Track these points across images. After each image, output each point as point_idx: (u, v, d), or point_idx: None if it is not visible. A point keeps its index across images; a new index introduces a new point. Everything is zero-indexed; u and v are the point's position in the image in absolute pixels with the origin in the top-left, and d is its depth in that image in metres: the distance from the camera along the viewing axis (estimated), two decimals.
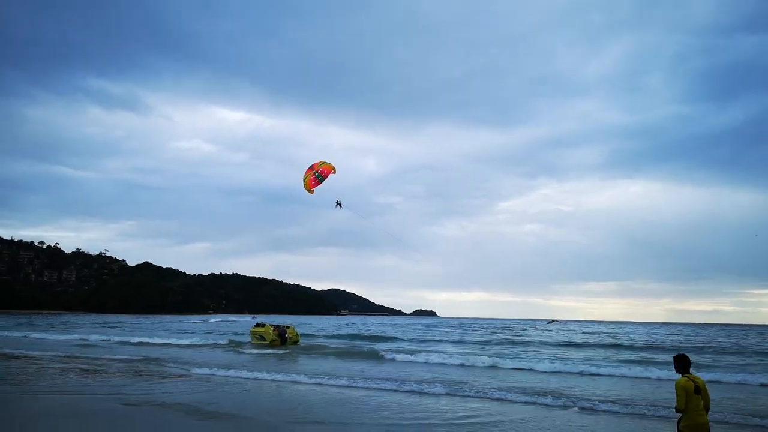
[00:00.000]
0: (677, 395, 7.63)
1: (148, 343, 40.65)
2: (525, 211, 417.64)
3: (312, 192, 17.98)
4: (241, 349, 36.05)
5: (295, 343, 39.35)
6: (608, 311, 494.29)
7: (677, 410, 7.65)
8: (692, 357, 7.97)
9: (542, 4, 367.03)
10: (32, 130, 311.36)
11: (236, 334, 52.07)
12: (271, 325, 41.51)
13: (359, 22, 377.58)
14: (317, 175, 17.96)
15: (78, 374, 20.45)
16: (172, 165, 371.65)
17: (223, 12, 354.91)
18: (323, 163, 18.18)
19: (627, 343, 47.68)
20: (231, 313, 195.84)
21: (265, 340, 39.58)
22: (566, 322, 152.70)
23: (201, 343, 41.43)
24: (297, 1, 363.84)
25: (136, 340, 43.56)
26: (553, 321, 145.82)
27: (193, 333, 57.22)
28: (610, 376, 23.64)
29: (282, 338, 39.01)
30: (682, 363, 7.91)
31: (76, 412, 12.85)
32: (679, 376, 7.96)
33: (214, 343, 40.74)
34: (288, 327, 41.01)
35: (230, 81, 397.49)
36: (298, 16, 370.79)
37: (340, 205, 18.42)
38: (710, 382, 20.62)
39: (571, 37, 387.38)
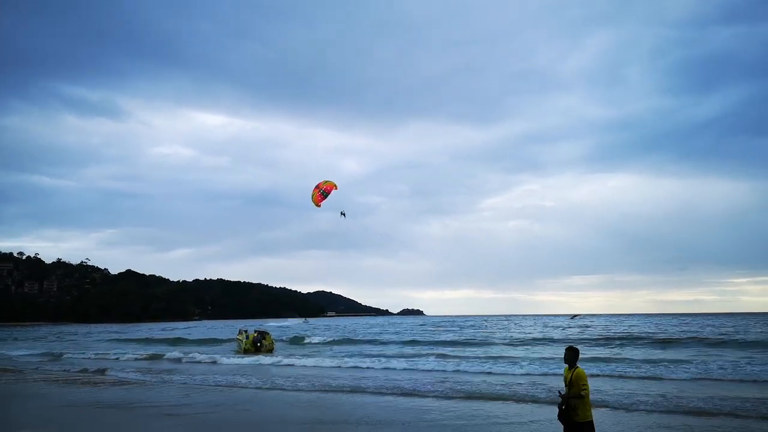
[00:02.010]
0: (585, 384, 7.84)
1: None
2: (508, 207, 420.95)
3: (319, 206, 20.74)
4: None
5: (270, 350, 39.92)
6: (591, 304, 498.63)
7: (579, 397, 7.79)
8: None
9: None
10: (8, 139, 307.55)
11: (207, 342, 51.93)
12: (256, 332, 42.31)
13: (339, 21, 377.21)
14: (323, 192, 20.87)
15: None
16: (153, 171, 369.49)
17: (200, 13, 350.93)
18: (326, 181, 21.09)
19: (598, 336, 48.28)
20: (214, 319, 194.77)
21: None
22: (585, 316, 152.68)
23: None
24: (275, 1, 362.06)
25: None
26: (576, 316, 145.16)
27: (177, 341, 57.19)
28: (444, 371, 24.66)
29: (255, 346, 39.59)
30: (577, 354, 8.17)
31: None
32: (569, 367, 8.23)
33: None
34: (266, 335, 41.60)
35: (209, 84, 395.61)
36: (276, 16, 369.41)
37: (344, 215, 20.87)
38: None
39: (550, 32, 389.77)
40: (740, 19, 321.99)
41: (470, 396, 17.30)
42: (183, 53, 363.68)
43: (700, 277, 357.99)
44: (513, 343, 43.49)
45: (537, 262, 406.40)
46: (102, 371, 27.64)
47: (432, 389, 18.76)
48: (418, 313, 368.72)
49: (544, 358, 29.58)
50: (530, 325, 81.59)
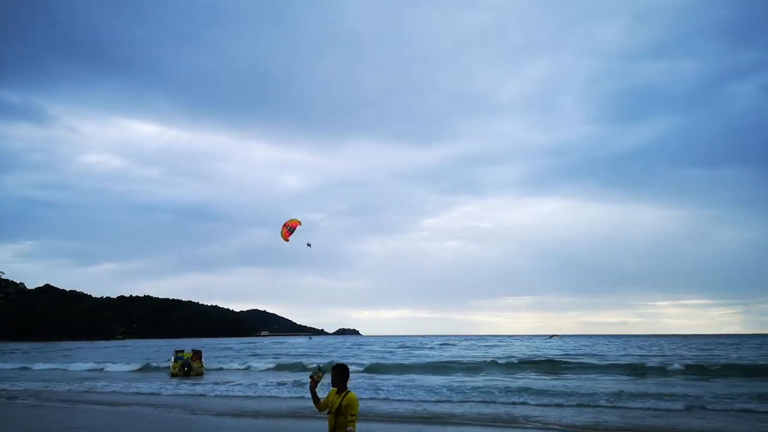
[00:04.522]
0: (355, 414, 6.45)
1: None
2: (447, 227, 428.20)
3: (288, 240, 22.82)
4: None
5: (199, 374, 39.14)
6: (523, 325, 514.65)
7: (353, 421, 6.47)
8: None
9: (462, 23, 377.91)
10: None
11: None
12: (193, 351, 41.38)
13: (282, 32, 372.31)
14: (290, 228, 22.99)
15: None
16: (79, 180, 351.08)
17: (136, 15, 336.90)
18: (292, 219, 23.18)
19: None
20: (140, 338, 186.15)
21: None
22: (563, 336, 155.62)
23: None
24: (217, 8, 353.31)
25: None
26: (553, 336, 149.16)
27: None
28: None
29: (183, 370, 39.05)
30: (347, 375, 6.77)
31: None
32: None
33: None
34: (198, 358, 40.71)
35: (143, 91, 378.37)
36: (218, 23, 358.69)
37: (310, 245, 22.91)
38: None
39: (491, 56, 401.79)
40: (665, 55, 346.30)
41: None
42: (116, 57, 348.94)
43: (626, 300, 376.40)
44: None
45: (473, 283, 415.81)
46: None
47: None
48: (354, 332, 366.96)
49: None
50: (515, 345, 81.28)
